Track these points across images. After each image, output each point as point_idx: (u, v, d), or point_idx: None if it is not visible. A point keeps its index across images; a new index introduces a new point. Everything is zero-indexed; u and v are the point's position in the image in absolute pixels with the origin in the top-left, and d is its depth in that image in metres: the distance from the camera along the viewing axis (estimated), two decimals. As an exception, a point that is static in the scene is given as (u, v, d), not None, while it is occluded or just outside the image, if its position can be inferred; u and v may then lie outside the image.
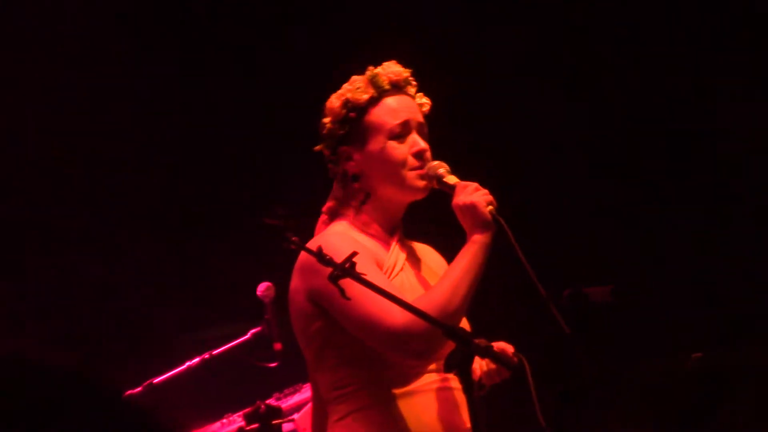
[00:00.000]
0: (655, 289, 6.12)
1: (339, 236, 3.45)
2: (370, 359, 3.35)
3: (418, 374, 3.40)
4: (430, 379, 3.41)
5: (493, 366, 3.51)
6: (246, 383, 5.55)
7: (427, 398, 3.39)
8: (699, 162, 6.26)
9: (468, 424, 3.35)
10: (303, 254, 3.41)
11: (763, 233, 6.12)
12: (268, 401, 5.26)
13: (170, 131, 6.42)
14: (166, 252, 6.54)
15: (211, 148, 6.45)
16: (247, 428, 4.94)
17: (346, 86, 3.55)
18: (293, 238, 3.43)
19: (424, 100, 3.61)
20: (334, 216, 3.58)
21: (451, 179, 3.48)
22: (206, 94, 6.38)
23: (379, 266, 3.40)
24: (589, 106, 6.41)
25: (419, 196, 3.53)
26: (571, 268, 5.94)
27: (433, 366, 3.41)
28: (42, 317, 6.28)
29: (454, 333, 3.15)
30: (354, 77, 3.56)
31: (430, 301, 3.29)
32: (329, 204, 3.60)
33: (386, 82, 3.54)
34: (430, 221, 3.70)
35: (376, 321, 3.28)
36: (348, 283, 3.20)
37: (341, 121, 3.54)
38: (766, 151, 6.11)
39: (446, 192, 3.48)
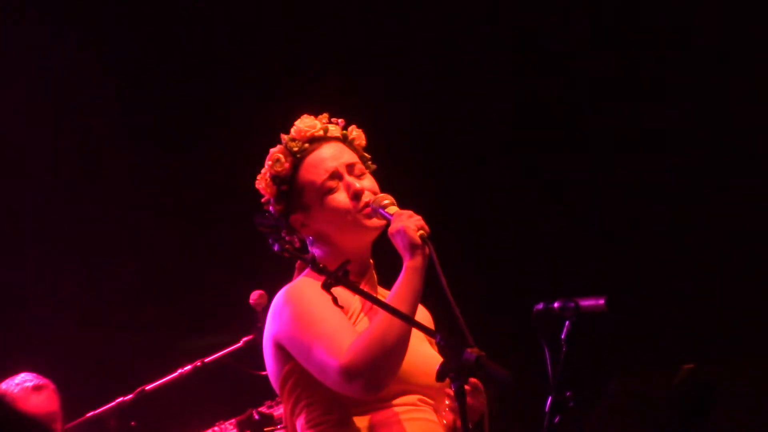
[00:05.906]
0: (648, 300, 6.12)
1: (307, 282, 3.45)
2: (340, 396, 3.38)
3: (389, 404, 3.42)
4: (404, 407, 3.42)
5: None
6: (238, 391, 5.55)
7: (403, 427, 3.40)
8: (698, 177, 6.26)
9: None
10: (273, 301, 3.47)
11: (760, 246, 6.12)
12: (260, 409, 5.26)
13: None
14: (158, 262, 6.53)
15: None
16: (239, 436, 4.94)
17: (267, 163, 3.56)
18: (287, 246, 3.44)
19: (356, 133, 3.62)
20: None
21: (392, 209, 3.48)
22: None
23: (345, 311, 3.40)
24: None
25: (375, 234, 3.54)
26: (563, 280, 5.95)
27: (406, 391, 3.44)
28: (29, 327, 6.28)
29: (444, 341, 3.16)
30: (271, 151, 3.57)
31: (369, 335, 3.30)
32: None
33: (302, 143, 3.55)
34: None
35: (324, 364, 3.33)
36: (301, 327, 3.31)
37: (277, 197, 3.56)
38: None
39: (387, 223, 3.48)
